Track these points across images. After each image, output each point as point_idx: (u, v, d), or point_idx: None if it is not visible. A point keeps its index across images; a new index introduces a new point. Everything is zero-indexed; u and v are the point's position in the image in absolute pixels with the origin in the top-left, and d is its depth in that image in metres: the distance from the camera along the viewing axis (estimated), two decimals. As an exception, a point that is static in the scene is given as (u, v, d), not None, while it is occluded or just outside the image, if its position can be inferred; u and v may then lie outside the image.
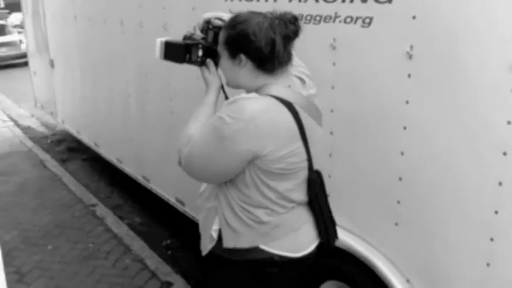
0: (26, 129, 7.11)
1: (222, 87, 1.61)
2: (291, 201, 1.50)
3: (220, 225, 1.52)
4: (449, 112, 1.66)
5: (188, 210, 3.35)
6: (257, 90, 1.44)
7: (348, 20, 1.97)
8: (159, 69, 3.40)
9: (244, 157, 1.37)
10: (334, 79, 2.07)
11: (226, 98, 1.59)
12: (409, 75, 1.76)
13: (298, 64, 1.59)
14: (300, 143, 1.42)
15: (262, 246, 1.50)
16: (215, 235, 1.54)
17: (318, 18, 2.11)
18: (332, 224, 1.60)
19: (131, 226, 3.99)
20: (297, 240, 1.53)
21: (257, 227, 1.47)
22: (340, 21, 2.01)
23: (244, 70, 1.44)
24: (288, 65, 1.46)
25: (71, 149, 6.12)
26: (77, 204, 4.33)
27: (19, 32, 15.50)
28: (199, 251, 1.65)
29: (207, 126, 1.42)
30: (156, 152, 3.71)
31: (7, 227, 3.88)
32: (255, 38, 1.37)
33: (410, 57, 1.74)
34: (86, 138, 5.26)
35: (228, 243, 1.51)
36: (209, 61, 1.57)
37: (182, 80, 3.16)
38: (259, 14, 1.43)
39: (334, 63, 2.07)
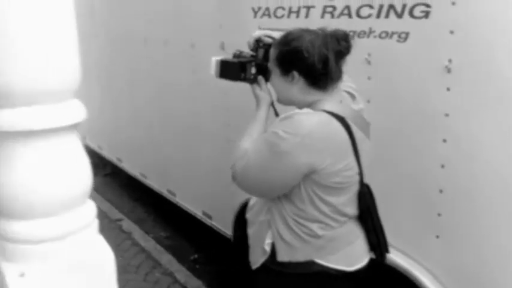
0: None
1: (272, 103, 1.65)
2: (344, 215, 1.53)
3: (274, 239, 1.55)
4: (489, 124, 1.69)
5: (215, 223, 3.39)
6: (309, 105, 1.47)
7: (383, 35, 2.02)
8: (185, 85, 3.47)
9: (302, 171, 1.40)
10: (369, 93, 2.12)
11: (277, 114, 1.64)
12: (448, 89, 1.80)
13: (345, 79, 1.62)
14: (352, 157, 1.46)
15: (318, 260, 1.52)
16: (268, 249, 1.57)
17: (351, 33, 2.16)
18: (383, 237, 1.63)
19: (157, 240, 4.03)
20: (351, 253, 1.56)
21: (312, 241, 1.50)
22: (375, 37, 2.06)
23: (297, 87, 1.48)
24: (339, 81, 1.50)
25: (94, 165, 6.17)
26: (103, 219, 4.34)
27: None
28: (244, 263, 1.68)
29: (261, 142, 1.46)
30: (182, 165, 3.76)
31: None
32: (308, 54, 1.41)
33: (449, 70, 1.78)
34: (108, 154, 5.32)
35: (283, 257, 1.53)
36: (260, 78, 1.62)
37: (208, 96, 3.22)
38: (311, 31, 1.48)
39: (369, 78, 2.11)
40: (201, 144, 3.39)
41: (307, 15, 2.41)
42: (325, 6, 2.30)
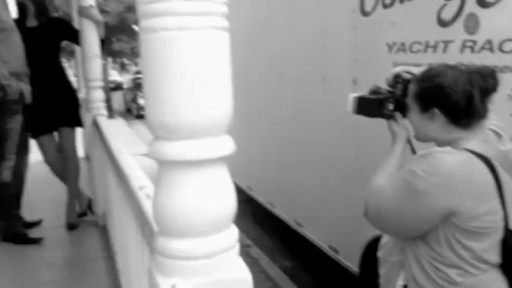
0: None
1: (409, 139, 1.63)
2: (485, 262, 1.41)
3: (407, 282, 1.49)
4: None
5: (342, 258, 3.35)
6: (450, 144, 1.41)
7: (529, 70, 1.90)
8: (316, 117, 3.55)
9: (440, 213, 1.34)
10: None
11: (413, 150, 1.61)
12: None
13: (491, 117, 1.53)
14: (497, 200, 1.35)
15: None
16: None
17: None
18: None
19: (283, 269, 4.09)
20: None
21: (447, 287, 1.41)
22: (519, 72, 1.94)
23: (437, 124, 1.43)
24: (484, 120, 1.42)
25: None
26: (232, 244, 4.59)
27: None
28: None
29: (397, 180, 1.43)
30: (310, 197, 3.81)
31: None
32: (452, 91, 1.36)
33: None
34: (240, 182, 5.58)
35: None
36: (397, 114, 1.61)
37: (339, 129, 3.24)
38: (454, 67, 1.43)
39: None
40: (330, 177, 3.42)
41: (445, 50, 2.35)
42: (465, 41, 2.22)
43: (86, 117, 3.97)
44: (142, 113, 16.03)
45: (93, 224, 3.78)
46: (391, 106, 1.61)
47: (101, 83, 3.81)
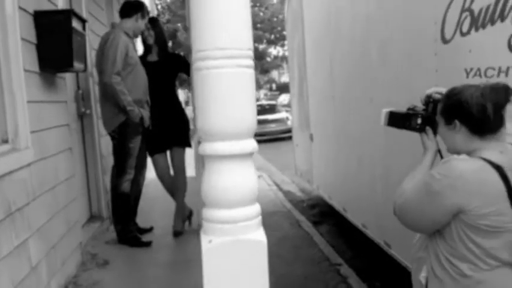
0: (286, 193, 8.15)
1: (439, 151, 1.84)
2: (496, 259, 1.57)
3: (428, 274, 1.69)
4: None
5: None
6: (469, 153, 1.63)
7: None
8: (405, 141, 3.67)
9: (450, 210, 1.56)
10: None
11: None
12: None
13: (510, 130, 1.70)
14: (507, 204, 1.52)
15: None
16: (423, 281, 1.71)
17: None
18: None
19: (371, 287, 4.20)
20: None
21: (461, 280, 1.59)
22: None
23: (459, 135, 1.66)
24: (499, 131, 1.62)
25: (323, 213, 6.75)
26: (324, 261, 4.80)
27: (286, 111, 17.83)
28: None
29: (420, 182, 1.67)
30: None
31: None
32: (468, 105, 1.59)
33: None
34: (336, 204, 5.78)
35: None
36: (428, 128, 1.83)
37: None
38: (474, 85, 1.67)
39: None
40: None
41: (516, 75, 2.44)
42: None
43: (195, 138, 4.52)
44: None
45: (195, 232, 4.27)
46: (419, 120, 1.84)
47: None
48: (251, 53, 1.11)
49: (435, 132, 1.82)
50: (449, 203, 1.56)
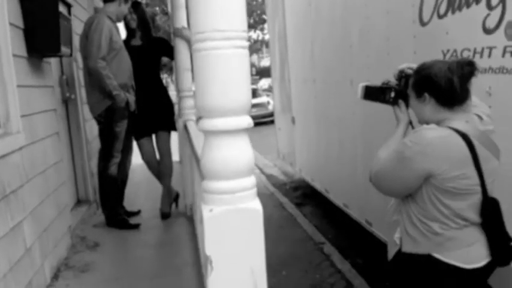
0: (269, 177, 8.28)
1: (410, 122, 1.98)
2: (464, 219, 1.74)
3: (401, 234, 1.85)
4: None
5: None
6: (438, 123, 1.79)
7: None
8: (385, 123, 3.79)
9: (421, 175, 1.71)
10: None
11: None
12: None
13: (479, 105, 1.87)
14: (472, 168, 1.70)
15: (435, 254, 1.77)
16: (398, 241, 1.87)
17: None
18: (507, 246, 1.77)
19: (353, 265, 4.36)
20: (468, 254, 1.76)
21: (432, 238, 1.76)
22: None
23: (429, 107, 1.81)
24: (465, 102, 1.78)
25: (306, 195, 6.90)
26: (308, 241, 4.95)
27: (267, 95, 17.91)
28: None
29: (393, 150, 1.83)
30: (379, 197, 4.05)
31: (253, 253, 4.69)
32: (436, 78, 1.75)
33: None
34: (319, 185, 5.93)
35: (406, 248, 1.83)
36: (401, 102, 1.98)
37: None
38: (441, 61, 1.84)
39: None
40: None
41: (489, 56, 2.56)
42: (506, 47, 2.43)
43: (179, 122, 4.58)
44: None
45: (182, 214, 4.38)
46: (392, 94, 1.98)
47: (191, 93, 4.41)
48: (246, 34, 1.20)
49: (407, 105, 1.97)
50: (421, 168, 1.70)
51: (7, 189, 2.43)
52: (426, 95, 1.81)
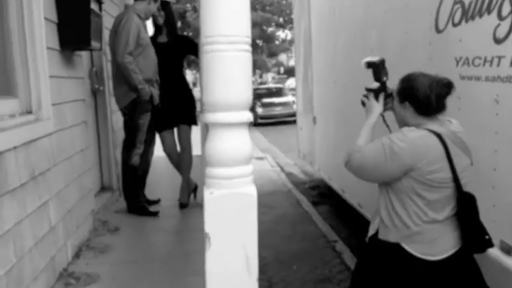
0: (288, 175, 8.41)
1: (383, 116, 2.26)
2: (435, 211, 1.97)
3: (379, 225, 2.08)
4: None
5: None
6: (416, 126, 2.05)
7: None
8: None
9: (403, 168, 1.95)
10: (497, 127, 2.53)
11: (386, 124, 2.31)
12: None
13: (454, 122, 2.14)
14: (445, 163, 1.94)
15: (403, 245, 1.98)
16: (376, 227, 2.11)
17: None
18: (480, 236, 2.00)
19: (363, 264, 4.47)
20: (431, 247, 1.97)
21: (402, 229, 1.98)
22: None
23: (409, 113, 2.09)
24: (440, 113, 2.07)
25: (323, 195, 7.01)
26: (321, 238, 5.07)
27: (293, 94, 18.00)
28: None
29: (379, 144, 2.01)
30: None
31: (265, 246, 4.83)
32: (417, 93, 2.02)
33: None
34: (336, 185, 6.03)
35: (381, 235, 2.07)
36: (380, 95, 2.24)
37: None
38: (425, 75, 2.07)
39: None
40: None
41: (498, 64, 2.64)
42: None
43: (201, 118, 4.75)
44: (260, 121, 16.88)
45: (199, 205, 4.54)
46: (386, 78, 2.30)
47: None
48: (249, 40, 1.37)
49: (386, 105, 2.24)
50: (405, 162, 1.95)
51: (36, 171, 2.64)
52: (407, 103, 2.07)
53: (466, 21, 2.97)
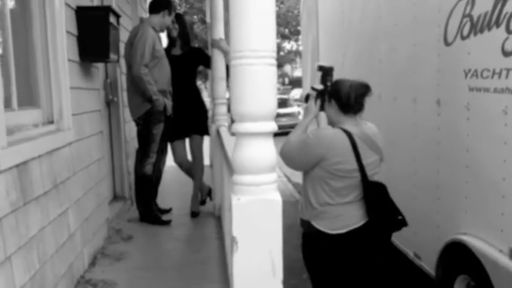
0: (296, 185, 8.45)
1: (316, 118, 2.64)
2: (340, 196, 2.40)
3: (303, 203, 2.55)
4: None
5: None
6: (335, 124, 2.47)
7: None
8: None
9: (315, 159, 2.38)
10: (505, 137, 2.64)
11: (318, 124, 2.73)
12: None
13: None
14: (351, 157, 2.35)
15: (312, 222, 2.46)
16: (300, 208, 2.61)
17: None
18: (392, 216, 2.44)
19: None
20: (333, 223, 2.40)
21: (312, 210, 2.44)
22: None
23: (334, 110, 2.49)
24: (358, 113, 2.47)
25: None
26: (329, 247, 5.11)
27: (298, 105, 18.10)
28: None
29: (301, 139, 2.43)
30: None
31: (276, 255, 4.88)
32: (341, 92, 2.43)
33: None
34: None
35: (299, 214, 2.60)
36: (318, 99, 2.56)
37: (423, 142, 3.63)
38: (350, 80, 2.49)
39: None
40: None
41: (507, 77, 2.71)
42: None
43: (212, 128, 4.84)
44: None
45: (210, 214, 4.63)
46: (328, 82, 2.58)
47: (224, 100, 4.67)
48: (274, 54, 1.47)
49: (322, 106, 2.56)
50: (315, 153, 2.37)
51: (57, 179, 2.72)
52: (333, 101, 2.48)
53: (475, 34, 3.04)
